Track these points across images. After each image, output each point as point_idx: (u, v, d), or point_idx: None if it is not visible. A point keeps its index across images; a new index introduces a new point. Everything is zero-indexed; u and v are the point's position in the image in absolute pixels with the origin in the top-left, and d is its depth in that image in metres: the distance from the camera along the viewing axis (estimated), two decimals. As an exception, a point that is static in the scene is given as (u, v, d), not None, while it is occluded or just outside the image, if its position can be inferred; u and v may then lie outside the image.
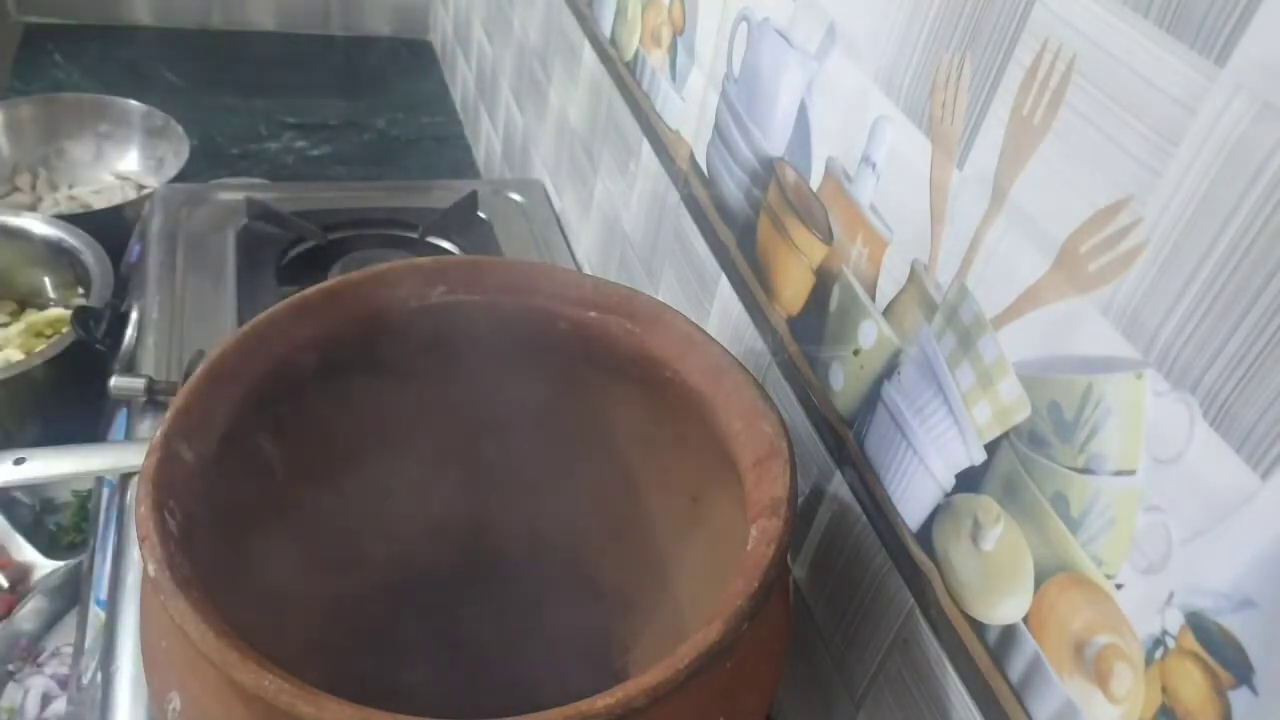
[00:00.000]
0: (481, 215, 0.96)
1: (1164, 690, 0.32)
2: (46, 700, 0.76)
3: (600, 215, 0.85)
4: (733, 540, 0.41)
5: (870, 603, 0.48)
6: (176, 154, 1.14)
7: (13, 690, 0.76)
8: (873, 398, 0.47)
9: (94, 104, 1.20)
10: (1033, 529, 0.37)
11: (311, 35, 1.59)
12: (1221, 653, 0.30)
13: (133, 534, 0.50)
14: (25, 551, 0.83)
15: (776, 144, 0.54)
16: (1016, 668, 0.38)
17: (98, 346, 0.84)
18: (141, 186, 1.17)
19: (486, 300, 0.51)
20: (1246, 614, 0.29)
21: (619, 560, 0.58)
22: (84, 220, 1.01)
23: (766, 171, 0.56)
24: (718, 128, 0.61)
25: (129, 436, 0.70)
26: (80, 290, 0.98)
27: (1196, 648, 0.31)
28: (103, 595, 0.64)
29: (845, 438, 0.50)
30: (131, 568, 0.61)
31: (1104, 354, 0.34)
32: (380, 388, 0.52)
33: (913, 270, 0.44)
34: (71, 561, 0.82)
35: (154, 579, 0.35)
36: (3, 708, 0.75)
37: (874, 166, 0.46)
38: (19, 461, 0.63)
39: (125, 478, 0.66)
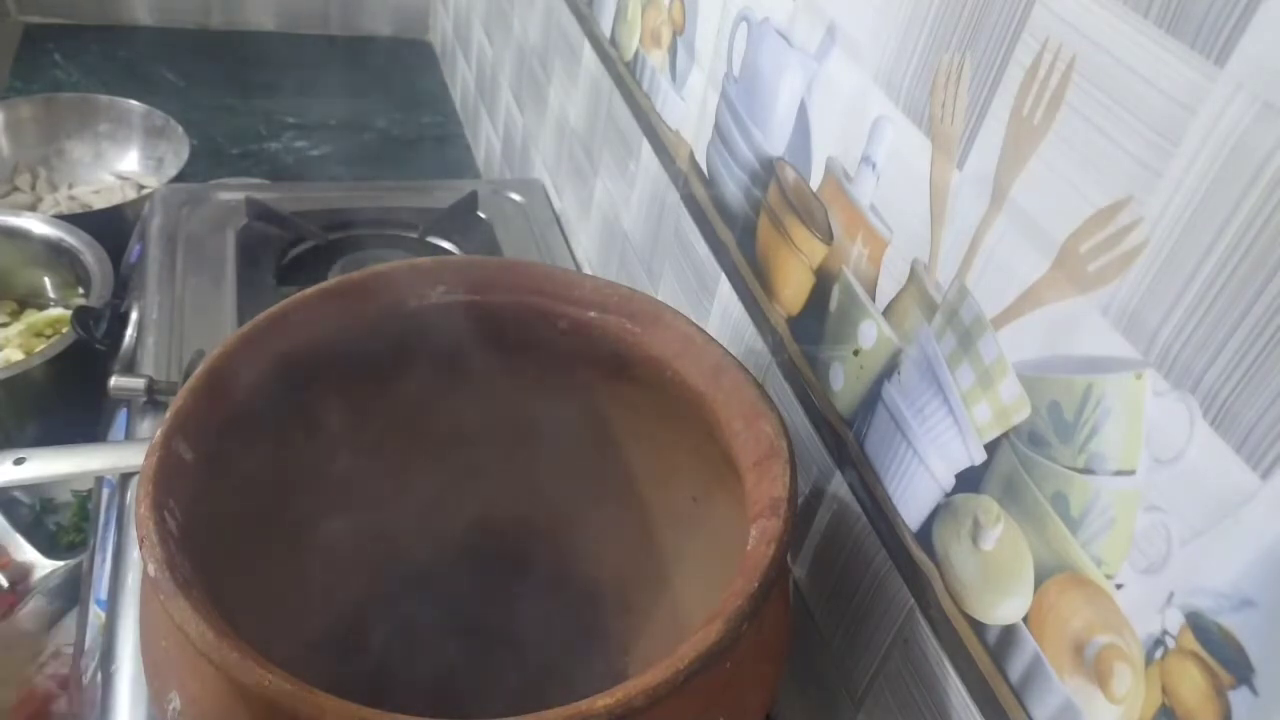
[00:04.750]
0: (481, 215, 0.96)
1: (1164, 690, 0.32)
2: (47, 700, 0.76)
3: (600, 215, 0.85)
4: (733, 540, 0.41)
5: (870, 603, 0.48)
6: (176, 154, 1.14)
7: (13, 690, 0.76)
8: (873, 398, 0.47)
9: (94, 104, 1.20)
10: (1033, 529, 0.37)
11: (311, 35, 1.59)
12: (1221, 653, 0.30)
13: (133, 534, 0.50)
14: (25, 551, 0.83)
15: (776, 144, 0.54)
16: (1016, 668, 0.38)
17: (98, 346, 0.84)
18: (141, 186, 1.17)
19: (486, 300, 0.51)
20: (1246, 614, 0.29)
21: (619, 560, 0.58)
22: (84, 220, 1.00)
23: (766, 171, 0.56)
24: (718, 128, 0.61)
25: (129, 436, 0.70)
26: (80, 290, 0.98)
27: (1196, 648, 0.31)
28: (103, 595, 0.64)
29: (845, 438, 0.50)
30: (131, 568, 0.61)
31: (1104, 354, 0.34)
32: (380, 387, 0.52)
33: (913, 270, 0.44)
34: (71, 561, 0.82)
35: (154, 579, 0.35)
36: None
37: (874, 166, 0.46)
38: (19, 461, 0.62)
39: (125, 478, 0.66)
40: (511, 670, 0.57)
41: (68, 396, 0.88)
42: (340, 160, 1.31)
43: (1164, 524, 0.32)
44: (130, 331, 0.82)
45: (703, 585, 0.53)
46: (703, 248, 0.65)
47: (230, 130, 1.31)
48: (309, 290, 0.48)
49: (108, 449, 0.69)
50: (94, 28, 1.48)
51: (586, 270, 0.90)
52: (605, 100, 0.81)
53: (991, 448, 0.39)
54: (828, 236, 0.50)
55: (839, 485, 0.51)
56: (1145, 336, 0.32)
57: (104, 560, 0.66)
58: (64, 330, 0.92)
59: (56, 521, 0.88)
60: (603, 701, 0.33)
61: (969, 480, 0.41)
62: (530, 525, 0.59)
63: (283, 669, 0.33)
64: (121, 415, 0.73)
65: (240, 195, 0.91)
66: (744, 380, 0.46)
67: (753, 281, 0.58)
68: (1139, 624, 0.33)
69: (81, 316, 0.84)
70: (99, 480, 0.73)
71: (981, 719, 0.41)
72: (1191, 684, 0.31)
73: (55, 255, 0.98)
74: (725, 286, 0.62)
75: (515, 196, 1.00)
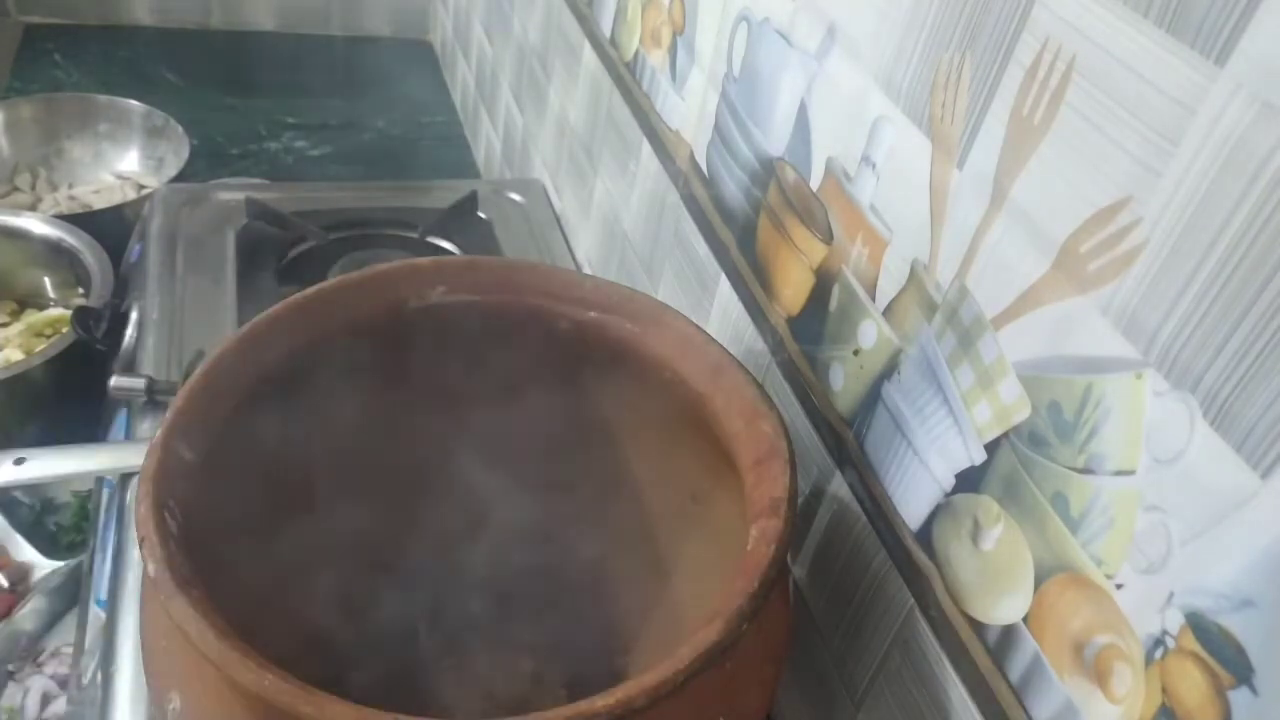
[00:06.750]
0: (481, 215, 0.96)
1: (1164, 690, 0.32)
2: (46, 700, 0.76)
3: (600, 215, 0.85)
4: (733, 540, 0.41)
5: (870, 603, 0.48)
6: (176, 154, 1.14)
7: (13, 690, 0.76)
8: (873, 398, 0.47)
9: (94, 104, 1.20)
10: (1033, 529, 0.37)
11: (311, 35, 1.59)
12: (1221, 653, 0.30)
13: (133, 534, 0.50)
14: (25, 551, 0.83)
15: (776, 144, 0.54)
16: (1016, 668, 0.38)
17: (98, 346, 0.84)
18: (141, 186, 1.17)
19: (486, 300, 0.51)
20: (1246, 614, 0.29)
21: (619, 560, 0.58)
22: (84, 220, 1.00)
23: (766, 171, 0.56)
24: (718, 128, 0.61)
25: (129, 436, 0.70)
26: (80, 290, 0.98)
27: (1196, 648, 0.31)
28: (103, 595, 0.64)
29: (845, 438, 0.50)
30: (131, 568, 0.61)
31: (1104, 354, 0.34)
32: (379, 387, 0.52)
33: (913, 270, 0.44)
34: (71, 561, 0.82)
35: (154, 579, 0.35)
36: (3, 708, 0.75)
37: (874, 166, 0.46)
38: (19, 461, 0.62)
39: (125, 478, 0.66)
40: (512, 670, 0.57)
41: (68, 396, 0.88)
42: (340, 160, 1.31)
43: (1164, 524, 0.32)
44: (130, 331, 0.82)
45: (703, 585, 0.52)
46: (703, 248, 0.65)
47: (230, 130, 1.31)
48: (309, 290, 0.48)
49: (108, 449, 0.69)
50: (94, 28, 1.48)
51: (586, 270, 0.90)
52: (605, 100, 0.81)
53: (991, 448, 0.39)
54: (828, 236, 0.50)
55: (839, 485, 0.51)
56: (1145, 336, 0.32)
57: (104, 560, 0.66)
58: (64, 330, 0.92)
59: (56, 521, 0.88)
60: (603, 701, 0.33)
61: (969, 480, 0.41)
62: (530, 525, 0.59)
63: (283, 669, 0.33)
64: (121, 415, 0.73)
65: (240, 195, 0.91)
66: (744, 380, 0.46)
67: (753, 281, 0.58)
68: (1139, 624, 0.33)
69: (81, 316, 0.84)
70: (99, 480, 0.73)
71: (981, 719, 0.41)
72: (1191, 684, 0.31)
73: (55, 255, 0.98)
74: (725, 286, 0.62)
75: (515, 196, 1.00)
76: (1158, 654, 0.32)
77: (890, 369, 0.45)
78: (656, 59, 0.70)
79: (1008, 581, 0.39)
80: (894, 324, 0.45)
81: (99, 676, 0.58)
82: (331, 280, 0.49)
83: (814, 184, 0.51)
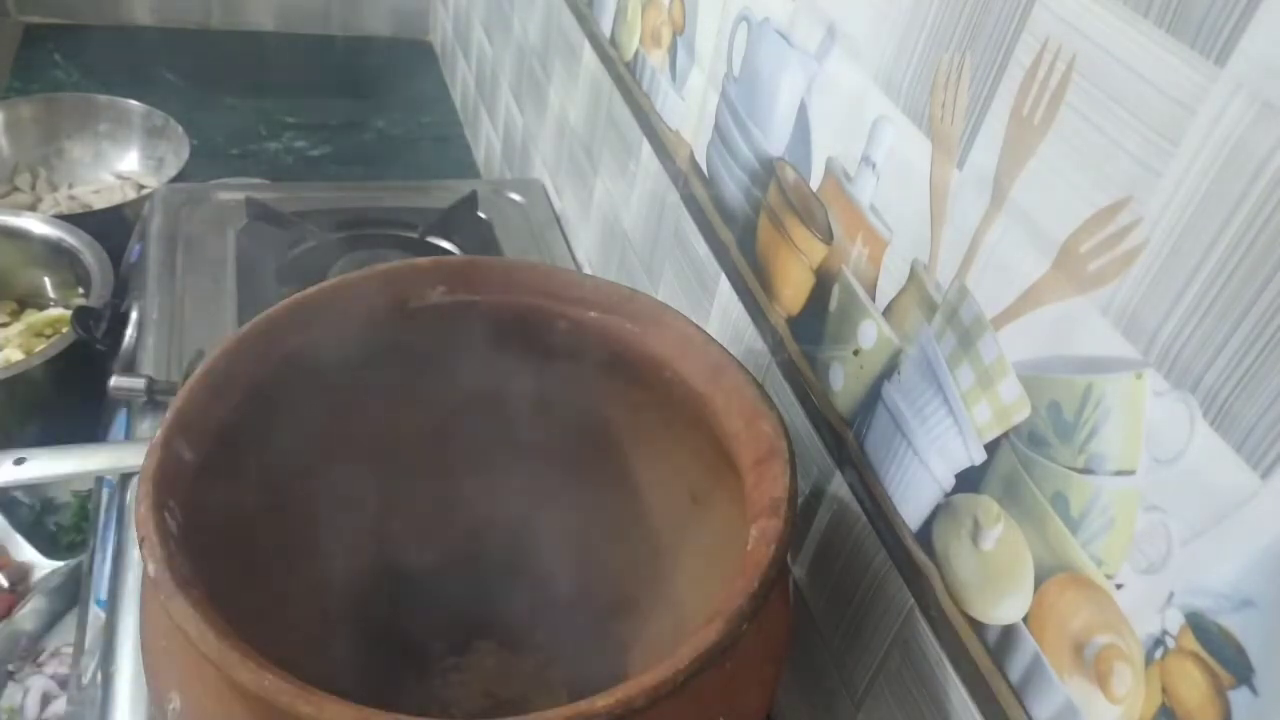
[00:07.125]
0: (481, 215, 0.96)
1: (1164, 690, 0.32)
2: (46, 700, 0.76)
3: (600, 215, 0.85)
4: (733, 540, 0.41)
5: (870, 603, 0.48)
6: (176, 154, 1.14)
7: (13, 690, 0.76)
8: (873, 398, 0.47)
9: (94, 104, 1.20)
10: (1033, 529, 0.37)
11: (311, 35, 1.59)
12: (1221, 653, 0.30)
13: (133, 534, 0.50)
14: (25, 551, 0.83)
15: (776, 144, 0.54)
16: (1016, 668, 0.38)
17: (98, 346, 0.84)
18: (141, 186, 1.17)
19: (486, 300, 0.51)
20: (1246, 614, 0.29)
21: (619, 560, 0.58)
22: (84, 220, 1.00)
23: (766, 171, 0.56)
24: (718, 128, 0.61)
25: (129, 436, 0.70)
26: (80, 290, 0.98)
27: (1196, 648, 0.31)
28: (103, 595, 0.64)
29: (845, 438, 0.50)
30: (131, 568, 0.61)
31: (1104, 354, 0.34)
32: (380, 387, 0.52)
33: (913, 270, 0.44)
34: (71, 561, 0.82)
35: (154, 579, 0.35)
36: (3, 708, 0.75)
37: (874, 166, 0.46)
38: (19, 461, 0.62)
39: (125, 478, 0.66)
40: (511, 671, 0.57)
41: (68, 396, 0.88)
42: (340, 160, 1.31)
43: (1164, 524, 0.32)
44: (130, 331, 0.82)
45: (703, 585, 0.53)
46: (703, 248, 0.65)
47: (230, 130, 1.31)
48: (309, 290, 0.48)
49: (108, 449, 0.69)
50: (94, 28, 1.48)
51: (586, 270, 0.90)
52: (605, 100, 0.81)
53: (991, 448, 0.39)
54: (828, 236, 0.50)
55: (839, 485, 0.51)
56: (1145, 336, 0.32)
57: (104, 560, 0.66)
58: (64, 330, 0.92)
59: (56, 521, 0.88)
60: (603, 701, 0.33)
61: (969, 480, 0.41)
62: (530, 525, 0.59)
63: (283, 669, 0.33)
64: (121, 415, 0.73)
65: (240, 195, 0.91)
66: (744, 380, 0.46)
67: (753, 281, 0.58)
68: (1139, 624, 0.33)
69: (81, 316, 0.84)
70: (99, 480, 0.73)
71: (981, 719, 0.41)
72: (1191, 684, 0.31)
73: (55, 255, 0.98)
74: (725, 286, 0.62)
75: (515, 196, 1.00)
76: (1158, 654, 0.32)
77: (890, 369, 0.45)
78: (656, 59, 0.70)
79: (1008, 581, 0.39)
80: (894, 324, 0.45)
81: (99, 676, 0.58)
82: (331, 280, 0.49)
83: (814, 184, 0.51)
